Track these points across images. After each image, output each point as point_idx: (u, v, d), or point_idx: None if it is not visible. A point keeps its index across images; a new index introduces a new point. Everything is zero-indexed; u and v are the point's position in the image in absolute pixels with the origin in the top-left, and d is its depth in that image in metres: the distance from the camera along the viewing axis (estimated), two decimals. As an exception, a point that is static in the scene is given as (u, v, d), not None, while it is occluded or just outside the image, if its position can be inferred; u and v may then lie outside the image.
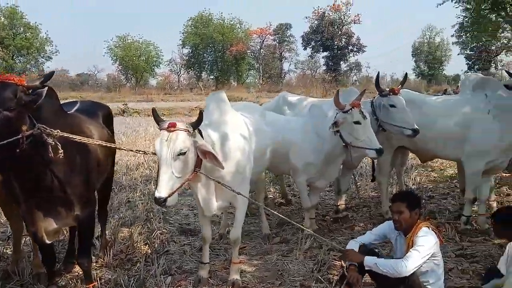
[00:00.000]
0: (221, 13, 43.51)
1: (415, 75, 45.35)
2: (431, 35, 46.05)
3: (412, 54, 45.83)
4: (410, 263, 2.83)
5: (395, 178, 6.29)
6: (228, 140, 3.28)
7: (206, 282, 3.68)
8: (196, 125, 2.94)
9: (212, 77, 43.24)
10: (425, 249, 2.91)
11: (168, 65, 49.92)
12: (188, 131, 2.89)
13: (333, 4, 34.17)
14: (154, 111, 3.06)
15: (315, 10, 34.66)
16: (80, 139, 2.80)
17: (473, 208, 4.94)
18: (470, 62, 31.48)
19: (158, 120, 2.96)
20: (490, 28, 25.43)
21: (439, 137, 4.69)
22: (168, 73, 52.63)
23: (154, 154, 2.93)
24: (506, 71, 5.65)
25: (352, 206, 5.90)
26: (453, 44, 34.46)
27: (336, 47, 34.35)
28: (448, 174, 7.72)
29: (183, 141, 2.83)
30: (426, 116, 4.76)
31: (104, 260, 4.07)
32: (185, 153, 2.83)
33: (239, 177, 3.37)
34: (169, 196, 2.78)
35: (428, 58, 44.50)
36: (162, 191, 2.76)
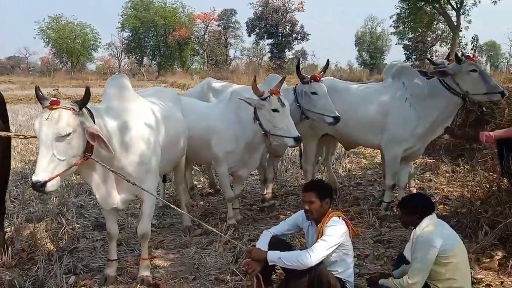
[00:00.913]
0: (163, -5, 42.09)
1: (358, 64, 46.77)
2: (372, 25, 47.55)
3: (355, 44, 47.13)
4: (315, 254, 2.77)
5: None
6: (128, 129, 3.03)
7: (113, 280, 3.44)
8: (82, 103, 2.67)
9: (154, 62, 41.94)
10: (332, 239, 2.85)
11: (108, 49, 47.91)
12: (74, 109, 2.61)
13: (277, -9, 34.31)
14: (36, 89, 2.74)
15: (259, -4, 34.58)
16: None
17: (395, 194, 5.05)
18: (407, 52, 32.82)
19: (40, 98, 2.66)
20: (425, 20, 26.82)
21: (360, 125, 4.70)
22: (108, 58, 50.59)
23: (35, 137, 2.62)
24: (427, 58, 5.73)
25: (281, 195, 5.85)
26: (391, 34, 35.70)
27: (280, 34, 34.45)
28: (377, 161, 7.89)
29: (67, 120, 2.56)
30: (348, 103, 4.75)
31: (1, 259, 3.70)
32: (69, 134, 2.56)
33: (142, 168, 3.13)
34: (50, 180, 2.51)
35: (370, 48, 45.92)
36: (39, 175, 2.48)
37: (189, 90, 6.46)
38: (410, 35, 31.92)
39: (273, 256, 2.86)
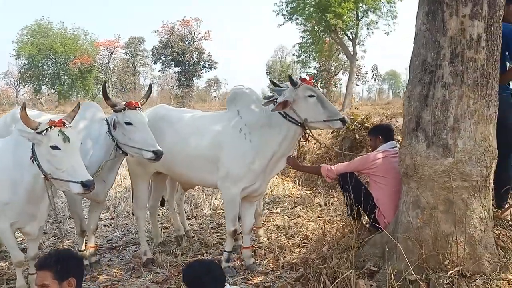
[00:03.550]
0: (63, 22, 39.69)
1: (270, 92, 47.30)
2: (282, 55, 48.86)
3: (266, 72, 47.87)
4: None
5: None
6: None
7: None
8: None
9: (53, 91, 38.74)
10: None
11: (4, 78, 44.08)
12: None
13: (182, 19, 33.72)
14: None
15: (164, 24, 33.70)
16: None
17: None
18: (314, 81, 33.52)
19: None
20: (325, 49, 27.87)
21: (192, 160, 3.92)
22: (5, 87, 46.52)
23: None
24: (270, 80, 5.18)
25: (117, 246, 4.84)
26: (294, 63, 36.71)
27: (187, 62, 33.74)
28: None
29: None
30: (178, 135, 3.99)
31: None
32: None
33: None
34: None
35: (281, 77, 46.83)
36: None
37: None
38: (314, 64, 32.93)
39: None
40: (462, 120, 2.85)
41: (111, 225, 5.65)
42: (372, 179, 3.58)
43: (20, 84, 43.24)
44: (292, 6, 23.66)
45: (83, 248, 4.16)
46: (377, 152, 3.59)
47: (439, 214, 2.95)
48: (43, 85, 38.73)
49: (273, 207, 6.37)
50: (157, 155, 3.54)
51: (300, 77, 3.85)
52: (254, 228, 4.88)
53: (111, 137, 3.68)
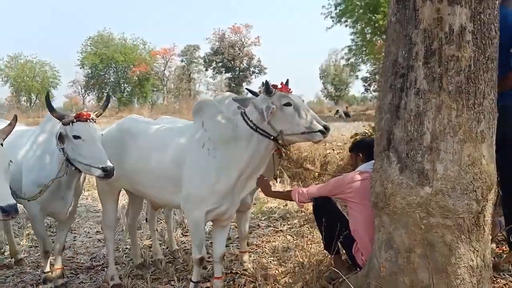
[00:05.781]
0: (123, 33, 41.81)
1: (324, 96, 46.63)
2: (336, 58, 47.66)
3: (319, 76, 46.94)
4: None
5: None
6: None
7: None
8: None
9: (114, 98, 40.89)
10: None
11: (72, 86, 47.29)
12: None
13: (233, 26, 33.95)
14: None
15: (215, 31, 34.18)
16: None
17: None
18: (366, 84, 32.42)
19: None
20: (375, 52, 26.51)
21: (153, 178, 3.51)
22: (74, 95, 49.92)
23: None
24: (246, 88, 4.69)
25: (97, 266, 4.54)
26: (343, 66, 35.47)
27: (237, 68, 33.91)
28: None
29: None
30: (141, 150, 3.59)
31: None
32: None
33: None
34: None
35: (335, 80, 45.69)
36: None
37: None
38: (366, 67, 31.47)
39: None
40: (441, 138, 2.18)
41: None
42: (349, 205, 2.96)
43: (85, 92, 46.14)
44: (341, 8, 22.77)
45: (47, 269, 3.88)
46: (355, 173, 2.96)
47: (416, 259, 2.30)
48: (105, 92, 41.02)
49: (280, 224, 5.81)
50: (106, 172, 3.18)
51: (264, 83, 3.29)
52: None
53: (61, 152, 3.38)
